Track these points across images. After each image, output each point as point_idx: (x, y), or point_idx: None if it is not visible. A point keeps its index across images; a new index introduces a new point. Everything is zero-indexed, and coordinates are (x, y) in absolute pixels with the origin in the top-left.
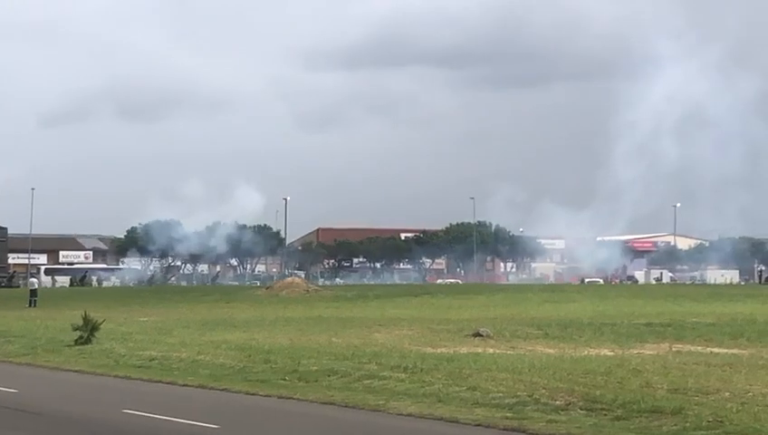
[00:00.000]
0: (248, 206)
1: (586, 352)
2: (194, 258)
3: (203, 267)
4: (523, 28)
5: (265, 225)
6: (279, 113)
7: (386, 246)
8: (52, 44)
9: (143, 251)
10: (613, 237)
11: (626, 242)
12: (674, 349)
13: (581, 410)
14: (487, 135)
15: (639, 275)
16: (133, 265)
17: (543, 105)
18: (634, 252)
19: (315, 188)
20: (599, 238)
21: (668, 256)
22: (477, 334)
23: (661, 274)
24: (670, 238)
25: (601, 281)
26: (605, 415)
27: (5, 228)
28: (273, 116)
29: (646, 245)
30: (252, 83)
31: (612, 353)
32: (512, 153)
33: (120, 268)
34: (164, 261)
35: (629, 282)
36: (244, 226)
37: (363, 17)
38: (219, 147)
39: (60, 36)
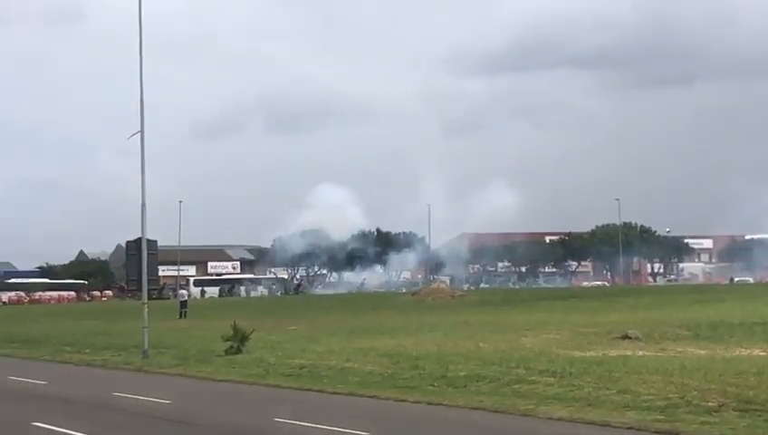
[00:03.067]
0: (502, 206)
1: (737, 353)
2: (339, 266)
3: (348, 275)
4: (672, 26)
5: (411, 231)
6: (425, 120)
7: (530, 250)
8: (203, 60)
9: (289, 260)
10: (763, 235)
11: None
12: None
13: (735, 411)
14: (634, 135)
15: None
16: (280, 274)
17: (693, 104)
18: None
19: (458, 192)
20: (747, 237)
21: None
22: (626, 337)
23: None
24: None
25: (751, 280)
26: (759, 416)
27: (155, 241)
28: (418, 123)
29: None
30: (397, 90)
31: (765, 353)
32: (660, 154)
33: (267, 278)
34: (310, 270)
35: None
36: (389, 232)
37: (508, 21)
38: (363, 154)
39: (210, 52)
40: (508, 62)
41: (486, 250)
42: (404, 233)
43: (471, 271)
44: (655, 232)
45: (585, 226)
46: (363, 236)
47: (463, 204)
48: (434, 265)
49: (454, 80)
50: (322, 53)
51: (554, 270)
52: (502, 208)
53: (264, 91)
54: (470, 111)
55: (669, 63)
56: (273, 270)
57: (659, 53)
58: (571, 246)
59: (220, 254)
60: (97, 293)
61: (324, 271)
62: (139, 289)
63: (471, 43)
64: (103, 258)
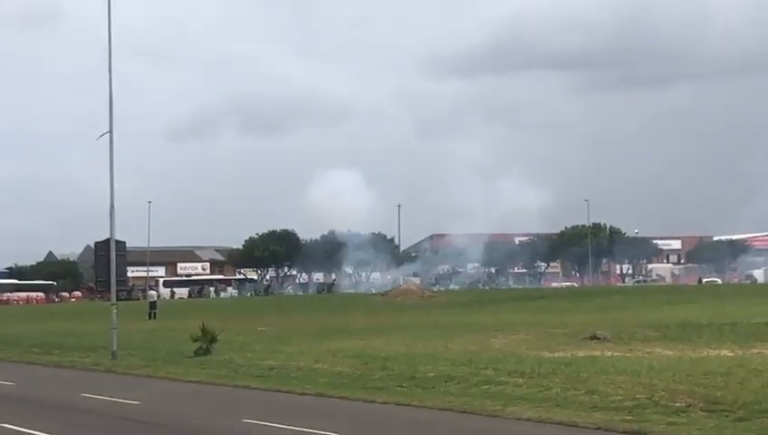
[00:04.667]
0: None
1: (705, 353)
2: (309, 267)
3: (318, 276)
4: (647, 28)
5: (380, 232)
6: (400, 121)
7: (500, 251)
8: (178, 61)
9: (259, 261)
10: (731, 236)
11: (744, 240)
12: None
13: (702, 411)
14: (606, 137)
15: (759, 274)
16: (249, 275)
17: (665, 106)
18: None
19: (430, 194)
20: (715, 238)
21: None
22: (594, 337)
23: None
24: None
25: (719, 281)
26: (726, 416)
27: (124, 242)
28: (393, 124)
29: (765, 243)
30: (372, 92)
31: (732, 354)
32: (630, 155)
33: (236, 279)
34: (280, 271)
35: (748, 281)
36: (359, 233)
37: (483, 23)
38: (340, 154)
39: (186, 53)
40: (484, 64)
41: (456, 251)
42: (373, 233)
43: (440, 272)
44: (624, 233)
45: (554, 227)
46: (334, 236)
47: (435, 204)
48: (403, 266)
49: (430, 81)
50: (298, 54)
51: (524, 271)
52: (474, 209)
53: (239, 93)
54: (445, 113)
55: (644, 65)
56: (242, 271)
57: (634, 55)
58: (541, 247)
59: (190, 255)
60: (66, 294)
61: (294, 272)
62: (108, 290)
63: (446, 44)
64: (72, 259)
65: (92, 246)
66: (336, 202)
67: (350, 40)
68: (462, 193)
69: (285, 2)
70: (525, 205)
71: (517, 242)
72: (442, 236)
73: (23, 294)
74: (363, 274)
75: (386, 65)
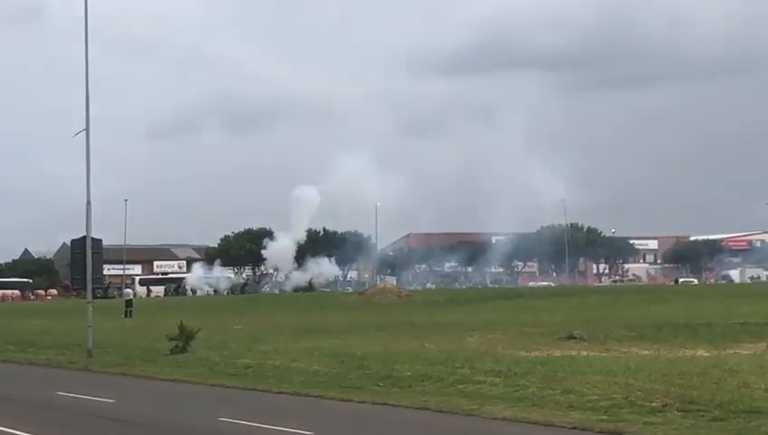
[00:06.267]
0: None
1: (681, 353)
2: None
3: (296, 275)
4: (627, 29)
5: (356, 230)
6: (381, 120)
7: (477, 250)
8: (159, 59)
9: (236, 260)
10: (707, 237)
11: (720, 241)
12: None
13: (678, 411)
14: (589, 137)
15: (735, 275)
16: (226, 273)
17: (644, 107)
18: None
19: (408, 192)
20: (692, 238)
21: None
22: (571, 337)
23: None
24: (766, 236)
25: (696, 281)
26: (702, 416)
27: (100, 240)
28: (375, 123)
29: (740, 243)
30: (354, 91)
31: (708, 354)
32: (609, 155)
33: (213, 277)
34: (257, 269)
35: (724, 281)
36: (336, 232)
37: (466, 23)
38: (320, 154)
39: (167, 51)
40: (465, 64)
41: (433, 250)
42: (350, 232)
43: (418, 271)
44: (601, 233)
45: (532, 226)
46: (311, 235)
47: (413, 204)
48: (380, 265)
49: (412, 81)
50: (279, 53)
51: (501, 270)
52: (452, 208)
53: (220, 91)
54: (426, 112)
55: (624, 66)
56: (218, 269)
57: (614, 55)
58: (518, 247)
59: (166, 253)
60: (41, 291)
61: (271, 271)
62: (84, 288)
63: (429, 44)
64: (48, 257)
65: (68, 243)
66: (315, 201)
67: (333, 39)
68: (441, 192)
69: (269, 0)
70: (505, 203)
71: (494, 241)
72: (419, 235)
73: None
74: (340, 272)
75: (368, 65)
